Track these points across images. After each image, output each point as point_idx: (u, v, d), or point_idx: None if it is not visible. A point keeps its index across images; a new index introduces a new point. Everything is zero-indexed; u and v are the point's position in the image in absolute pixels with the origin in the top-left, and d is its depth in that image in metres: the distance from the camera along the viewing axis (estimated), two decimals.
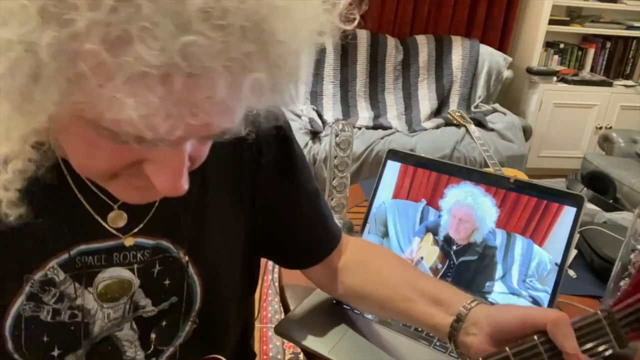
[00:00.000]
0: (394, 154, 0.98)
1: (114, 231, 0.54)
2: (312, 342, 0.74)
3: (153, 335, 0.59)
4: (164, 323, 0.59)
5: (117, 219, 0.54)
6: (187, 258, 0.58)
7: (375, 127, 2.82)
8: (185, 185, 0.40)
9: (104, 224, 0.53)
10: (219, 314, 0.64)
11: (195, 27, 0.30)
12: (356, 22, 0.41)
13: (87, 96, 0.32)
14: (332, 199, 1.04)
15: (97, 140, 0.36)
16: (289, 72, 0.38)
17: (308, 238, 0.70)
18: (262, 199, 0.64)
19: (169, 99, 0.32)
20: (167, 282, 0.58)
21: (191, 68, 0.31)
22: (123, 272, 0.56)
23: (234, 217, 0.63)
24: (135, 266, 0.56)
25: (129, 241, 0.55)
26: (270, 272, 1.47)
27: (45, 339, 0.53)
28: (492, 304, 0.83)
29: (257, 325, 1.51)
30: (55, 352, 0.54)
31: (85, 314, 0.55)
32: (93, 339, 0.56)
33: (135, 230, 0.55)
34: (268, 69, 0.35)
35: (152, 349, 0.60)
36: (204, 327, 0.62)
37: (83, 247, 0.53)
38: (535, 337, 0.50)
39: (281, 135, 0.63)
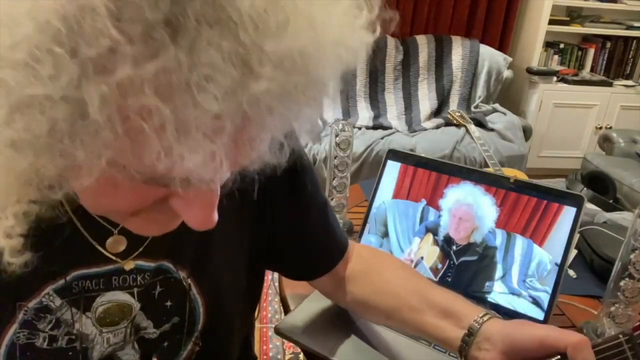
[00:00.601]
0: (394, 154, 0.98)
1: (112, 256, 0.52)
2: (312, 342, 0.74)
3: (155, 356, 0.58)
4: (165, 344, 0.58)
5: (116, 244, 0.52)
6: (189, 279, 0.57)
7: (375, 127, 2.82)
8: (216, 217, 0.38)
9: (101, 249, 0.51)
10: (222, 332, 0.63)
11: (258, 69, 0.28)
12: (377, 31, 0.39)
13: (137, 151, 0.29)
14: (332, 199, 1.04)
15: (123, 182, 0.33)
16: (327, 96, 0.37)
17: (315, 250, 0.69)
18: (269, 211, 0.62)
19: (225, 144, 0.30)
20: (168, 303, 0.56)
21: (254, 112, 0.29)
22: (122, 296, 0.54)
23: (238, 229, 0.61)
24: (136, 290, 0.54)
25: (128, 265, 0.53)
26: (270, 272, 1.47)
27: None
28: (492, 304, 0.83)
29: (257, 325, 1.51)
30: None
31: (83, 339, 0.53)
32: None
33: (136, 254, 0.53)
34: (313, 99, 0.34)
35: None
36: (207, 345, 0.61)
37: (80, 272, 0.51)
38: None
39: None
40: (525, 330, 0.53)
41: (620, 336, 0.50)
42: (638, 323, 0.51)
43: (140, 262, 0.53)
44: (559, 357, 0.50)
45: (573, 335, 0.50)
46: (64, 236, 0.49)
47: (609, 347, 0.50)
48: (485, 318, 0.57)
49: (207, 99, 0.27)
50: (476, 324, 0.57)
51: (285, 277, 0.76)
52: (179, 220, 0.41)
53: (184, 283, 0.57)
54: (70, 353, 0.52)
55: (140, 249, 0.53)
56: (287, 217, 0.64)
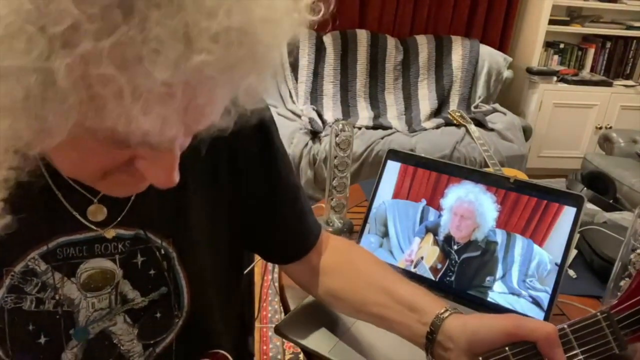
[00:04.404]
0: (394, 154, 0.98)
1: (91, 225, 0.55)
2: (312, 342, 0.74)
3: (148, 325, 0.60)
4: (157, 315, 0.60)
5: (97, 212, 0.55)
6: (170, 248, 0.60)
7: (375, 127, 2.82)
8: (177, 177, 0.43)
9: (81, 219, 0.54)
10: (207, 304, 0.65)
11: (201, 45, 0.33)
12: (321, 13, 0.44)
13: (100, 114, 0.33)
14: (332, 199, 1.04)
15: (91, 144, 0.38)
16: (273, 69, 0.41)
17: (286, 232, 0.70)
18: (241, 190, 0.65)
19: (176, 109, 0.35)
20: (152, 272, 0.59)
21: (199, 81, 0.34)
22: (105, 263, 0.57)
23: (214, 205, 0.63)
24: (117, 257, 0.57)
25: (109, 233, 0.56)
26: (270, 272, 1.48)
27: (30, 327, 0.54)
28: (492, 304, 0.83)
29: (257, 325, 1.51)
30: (42, 340, 0.55)
31: (68, 303, 0.56)
32: (83, 332, 0.57)
33: (115, 223, 0.56)
34: (258, 70, 0.39)
35: (146, 340, 0.60)
36: (195, 317, 0.63)
37: (63, 239, 0.54)
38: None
39: (261, 126, 0.64)
40: (490, 325, 0.54)
41: (598, 314, 0.51)
42: (616, 302, 0.51)
43: (120, 231, 0.57)
44: (529, 346, 0.51)
45: (540, 326, 0.51)
46: (45, 204, 0.52)
47: (588, 324, 0.51)
48: (445, 314, 0.58)
49: (156, 68, 0.32)
50: (437, 321, 0.57)
51: (264, 260, 0.77)
52: (145, 183, 0.46)
53: (164, 252, 0.59)
54: (57, 317, 0.55)
55: (119, 218, 0.56)
56: (256, 193, 0.66)
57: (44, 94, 0.32)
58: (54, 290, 0.55)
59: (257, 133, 0.64)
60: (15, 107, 0.32)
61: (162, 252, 0.59)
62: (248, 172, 0.64)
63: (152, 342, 0.61)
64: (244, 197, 0.65)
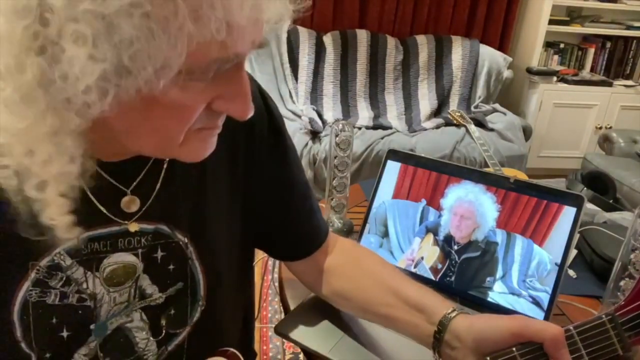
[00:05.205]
0: (394, 154, 0.98)
1: (116, 219, 0.55)
2: (312, 342, 0.74)
3: (163, 322, 0.60)
4: (172, 311, 0.61)
5: (130, 203, 0.56)
6: (188, 243, 0.60)
7: (375, 127, 2.82)
8: (252, 106, 0.47)
9: (107, 213, 0.55)
10: (221, 300, 0.65)
11: None
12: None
13: (199, 24, 0.37)
14: (332, 199, 1.04)
15: (175, 103, 0.41)
16: None
17: (295, 229, 0.71)
18: (255, 188, 0.66)
19: None
20: (171, 267, 0.60)
21: None
22: (127, 257, 0.57)
23: (230, 200, 0.64)
24: (140, 251, 0.57)
25: (133, 227, 0.56)
26: (270, 272, 1.47)
27: (53, 320, 0.54)
28: (492, 304, 0.83)
29: (257, 325, 1.51)
30: (64, 334, 0.55)
31: (92, 298, 0.56)
32: (102, 327, 0.57)
33: (139, 214, 0.57)
34: None
35: (162, 335, 0.61)
36: (209, 313, 0.63)
37: (88, 233, 0.54)
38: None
39: (274, 126, 0.66)
40: (497, 325, 0.55)
41: (603, 316, 0.51)
42: (622, 303, 0.51)
43: (143, 225, 0.57)
44: (536, 347, 0.51)
45: (547, 328, 0.52)
46: (74, 199, 0.52)
47: (592, 327, 0.51)
48: (453, 314, 0.58)
49: None
50: (445, 321, 0.58)
51: (269, 256, 0.78)
52: (214, 139, 0.50)
53: (183, 247, 0.60)
54: (80, 311, 0.56)
55: (143, 209, 0.57)
56: (268, 190, 0.67)
57: (151, 25, 0.35)
58: (78, 284, 0.55)
59: (271, 132, 0.66)
60: (135, 47, 0.35)
61: (182, 246, 0.60)
62: (261, 169, 0.66)
63: (166, 339, 0.61)
64: (256, 194, 0.66)
